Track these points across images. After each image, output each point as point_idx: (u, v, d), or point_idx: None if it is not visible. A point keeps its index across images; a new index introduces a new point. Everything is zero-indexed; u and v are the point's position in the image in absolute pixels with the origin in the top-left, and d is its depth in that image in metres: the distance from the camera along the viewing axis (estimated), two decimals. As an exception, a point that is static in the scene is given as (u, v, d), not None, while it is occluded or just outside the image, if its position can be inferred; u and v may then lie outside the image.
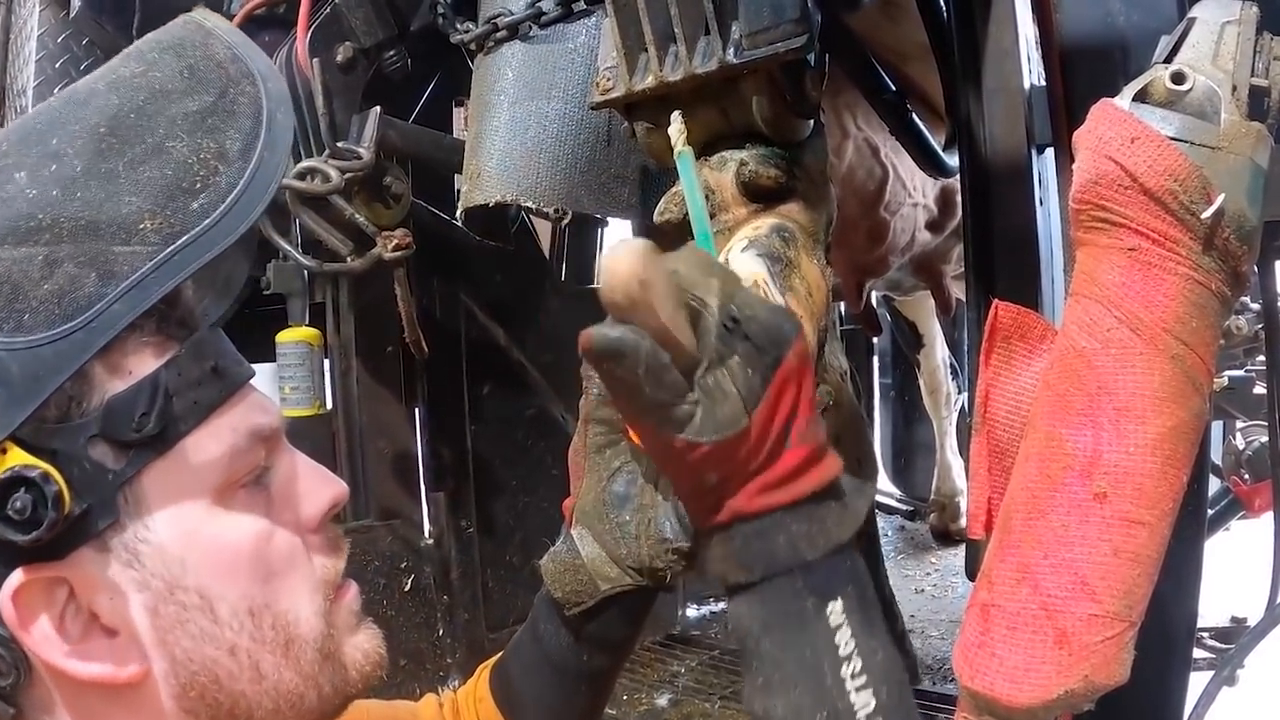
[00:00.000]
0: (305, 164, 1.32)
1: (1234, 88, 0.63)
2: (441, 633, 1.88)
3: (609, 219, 2.36)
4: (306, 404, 1.62)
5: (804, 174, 0.87)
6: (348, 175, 1.33)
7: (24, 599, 0.53)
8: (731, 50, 0.79)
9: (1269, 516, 1.50)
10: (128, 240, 0.53)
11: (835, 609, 0.57)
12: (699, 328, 0.55)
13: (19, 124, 0.60)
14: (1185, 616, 0.89)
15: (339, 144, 1.37)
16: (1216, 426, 1.92)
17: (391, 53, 1.44)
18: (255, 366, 0.63)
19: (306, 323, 1.65)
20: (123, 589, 0.55)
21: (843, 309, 2.67)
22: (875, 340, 3.38)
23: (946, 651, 2.05)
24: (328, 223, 1.36)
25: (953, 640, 0.75)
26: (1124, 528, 0.61)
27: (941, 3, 1.15)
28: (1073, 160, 0.66)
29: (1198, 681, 1.03)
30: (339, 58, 1.39)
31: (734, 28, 0.79)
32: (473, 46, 1.23)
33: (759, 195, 0.85)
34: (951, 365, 2.96)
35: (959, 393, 2.93)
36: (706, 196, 0.84)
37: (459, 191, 1.27)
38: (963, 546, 2.00)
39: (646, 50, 0.83)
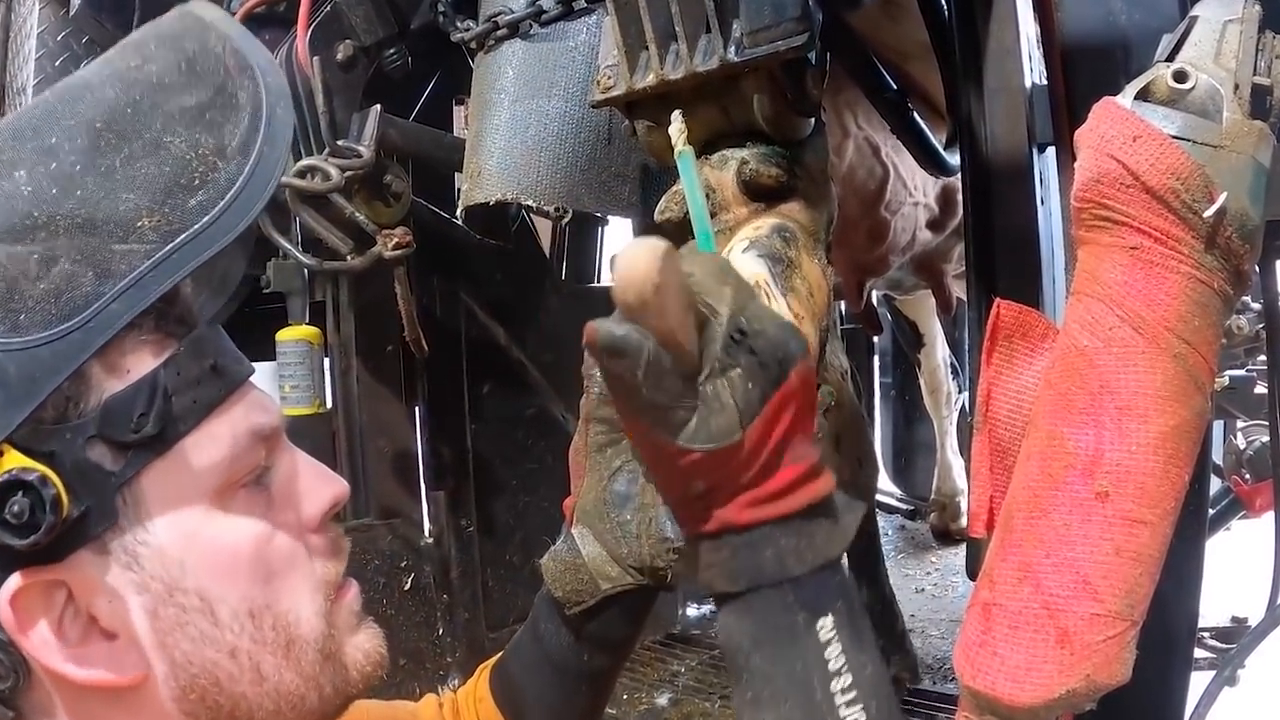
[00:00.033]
0: (305, 162, 1.32)
1: (1236, 86, 0.63)
2: (441, 632, 1.88)
3: (609, 218, 2.37)
4: (306, 403, 1.62)
5: (805, 173, 0.87)
6: (348, 173, 1.33)
7: (22, 603, 0.52)
8: (733, 48, 0.79)
9: (1270, 516, 1.50)
10: (125, 238, 0.52)
11: (826, 624, 0.56)
12: (705, 335, 0.55)
13: (13, 118, 0.59)
14: (1186, 616, 0.89)
15: (339, 142, 1.37)
16: (1217, 426, 1.92)
17: (392, 51, 1.44)
18: (255, 365, 0.62)
19: (306, 321, 1.65)
20: (122, 592, 0.54)
21: (843, 308, 2.67)
22: (876, 339, 3.37)
23: (947, 651, 2.05)
24: (328, 221, 1.36)
25: (953, 639, 0.75)
26: (1126, 527, 0.61)
27: (943, 1, 1.15)
28: (1074, 159, 0.66)
29: (1199, 681, 1.03)
30: (339, 56, 1.38)
31: (735, 26, 0.79)
32: (473, 45, 1.23)
33: (760, 194, 0.84)
34: (952, 364, 2.96)
35: (960, 392, 2.93)
36: (707, 195, 0.84)
37: (459, 190, 1.26)
38: (963, 546, 2.01)
39: (647, 48, 0.83)
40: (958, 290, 2.20)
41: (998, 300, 0.76)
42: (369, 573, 1.74)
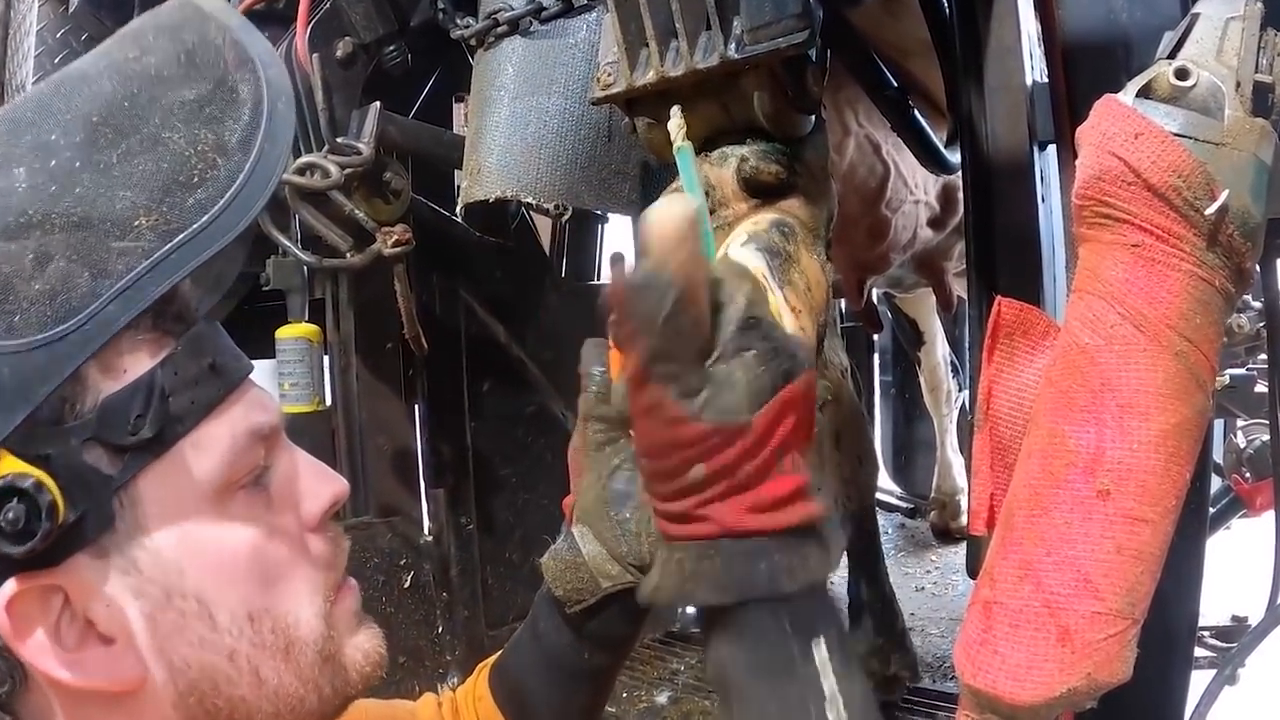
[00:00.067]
0: (305, 159, 1.32)
1: (1238, 84, 0.63)
2: (441, 630, 1.88)
3: (609, 215, 2.36)
4: (306, 400, 1.62)
5: (805, 170, 0.86)
6: (347, 171, 1.33)
7: (18, 609, 0.51)
8: (733, 45, 0.79)
9: (1270, 515, 1.50)
10: (122, 238, 0.51)
11: (820, 651, 0.55)
12: (720, 318, 0.54)
13: (8, 111, 0.58)
14: (1187, 615, 0.89)
15: (339, 139, 1.36)
16: (1218, 425, 1.91)
17: (391, 48, 1.44)
18: (254, 362, 0.61)
19: (306, 319, 1.64)
20: (119, 596, 0.54)
21: (844, 306, 2.67)
22: (876, 337, 3.37)
23: (947, 649, 2.05)
24: (327, 218, 1.36)
25: (953, 638, 0.75)
26: (1127, 525, 0.61)
27: (943, -1, 1.15)
28: (1075, 156, 0.65)
29: (1199, 680, 1.03)
30: (339, 53, 1.38)
31: (735, 23, 0.79)
32: (473, 42, 1.22)
33: (759, 191, 0.84)
34: (952, 362, 2.96)
35: (960, 390, 2.93)
36: (706, 192, 0.84)
37: (459, 187, 1.26)
38: (963, 544, 2.01)
39: (647, 45, 0.83)
40: (958, 288, 2.20)
41: (999, 298, 0.76)
42: (368, 571, 1.74)
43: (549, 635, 0.78)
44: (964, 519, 2.56)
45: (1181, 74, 0.63)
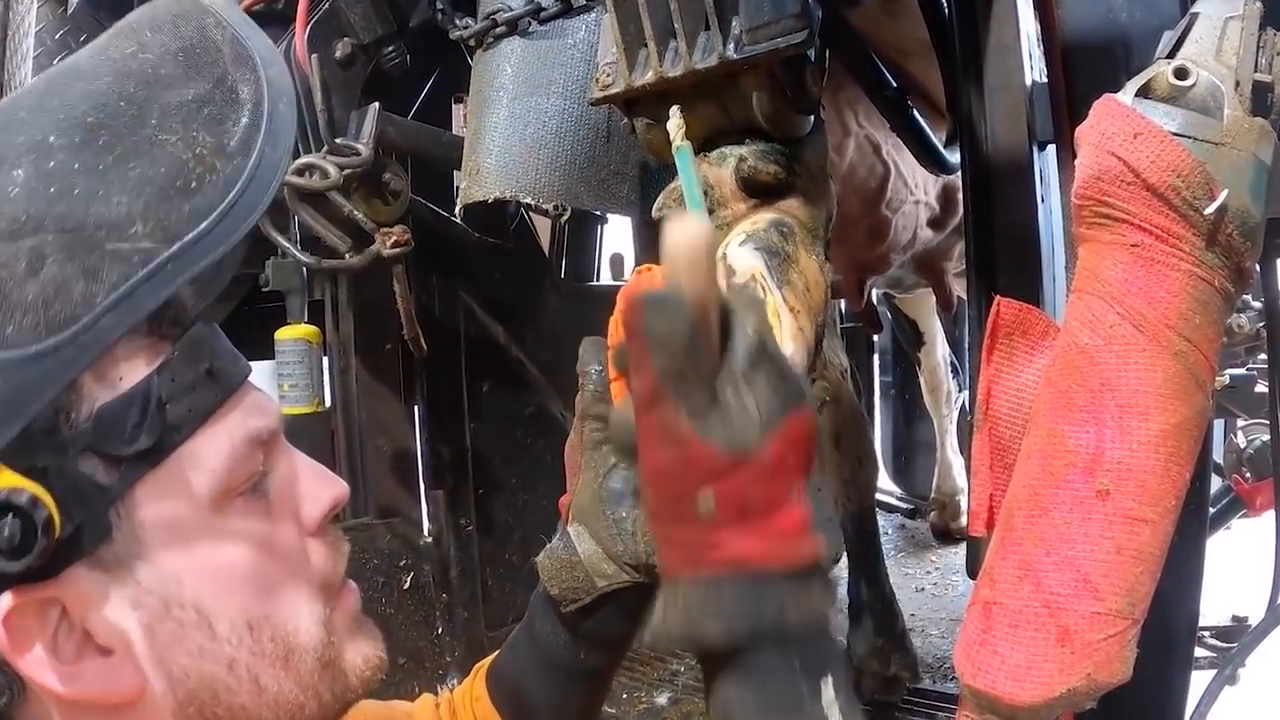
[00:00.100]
0: (304, 160, 1.32)
1: (1237, 83, 0.63)
2: (440, 631, 1.88)
3: (608, 216, 2.36)
4: (305, 402, 1.61)
5: (803, 170, 0.86)
6: (346, 172, 1.33)
7: (15, 622, 0.50)
8: (732, 46, 0.79)
9: (1270, 515, 1.50)
10: (118, 246, 0.49)
11: (828, 690, 0.54)
12: (731, 343, 0.53)
13: (0, 110, 0.56)
14: (1187, 615, 0.89)
15: (337, 140, 1.36)
16: (1218, 425, 1.91)
17: (390, 49, 1.44)
18: (254, 364, 0.60)
19: (305, 320, 1.64)
20: (117, 607, 0.53)
21: (843, 306, 2.67)
22: (876, 338, 3.37)
23: (947, 650, 2.05)
24: (326, 219, 1.36)
25: (953, 638, 0.75)
26: (1127, 525, 0.61)
27: (943, -1, 1.15)
28: (1075, 156, 0.65)
29: (1199, 680, 1.03)
30: (338, 54, 1.38)
31: (734, 23, 0.79)
32: (472, 42, 1.23)
33: (758, 191, 0.84)
34: (952, 363, 2.96)
35: (960, 390, 2.93)
36: (705, 192, 0.84)
37: (458, 188, 1.26)
38: (963, 545, 2.00)
39: (646, 45, 0.83)
40: (958, 288, 2.19)
41: (998, 298, 0.76)
42: (368, 572, 1.74)
43: (545, 635, 0.78)
44: (964, 519, 2.55)
45: (1181, 73, 0.63)
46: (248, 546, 0.57)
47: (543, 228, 2.30)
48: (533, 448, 2.05)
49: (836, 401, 1.68)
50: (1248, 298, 1.75)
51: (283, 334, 1.61)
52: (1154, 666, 0.66)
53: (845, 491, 1.84)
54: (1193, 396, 0.62)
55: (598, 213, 2.16)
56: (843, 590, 1.89)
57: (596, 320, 0.78)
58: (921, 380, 2.97)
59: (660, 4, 0.81)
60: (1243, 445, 1.87)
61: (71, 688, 0.52)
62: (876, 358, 3.50)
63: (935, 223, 1.94)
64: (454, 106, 1.93)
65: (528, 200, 1.15)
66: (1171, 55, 0.64)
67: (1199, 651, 1.58)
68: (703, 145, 0.86)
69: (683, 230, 0.52)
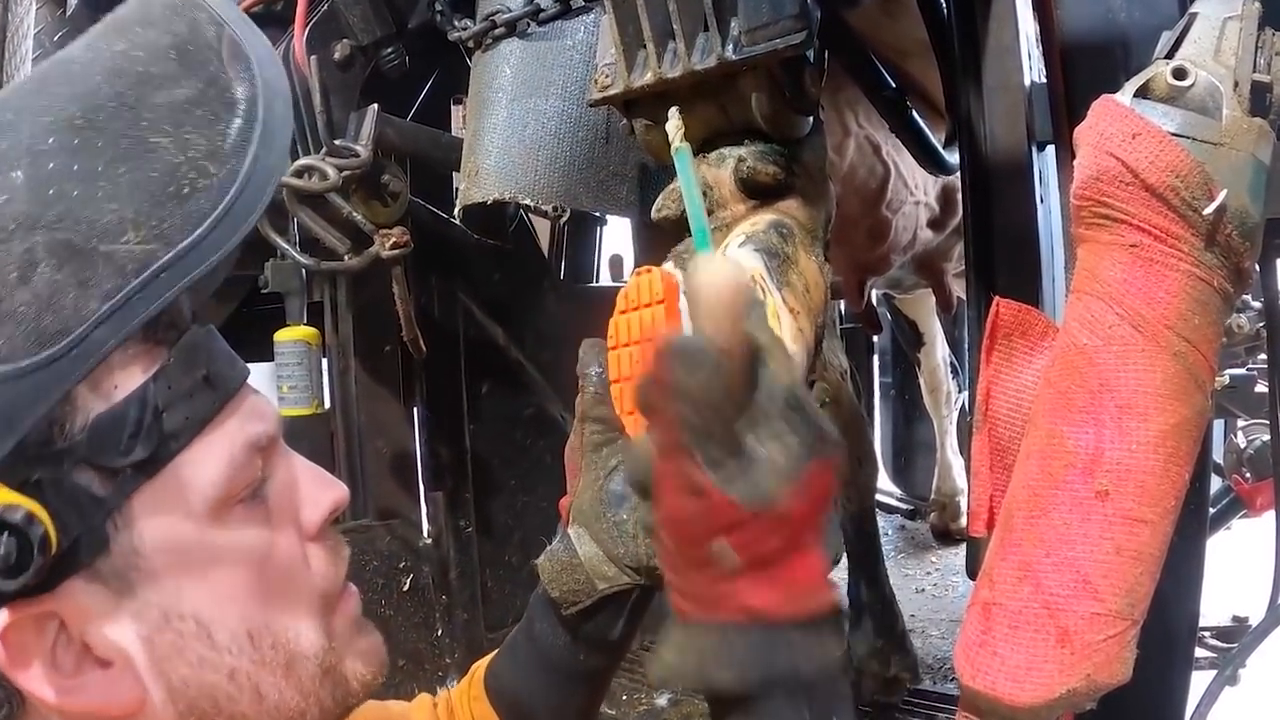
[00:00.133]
0: (303, 161, 1.31)
1: (1236, 83, 0.63)
2: (440, 633, 1.88)
3: (608, 217, 2.36)
4: (305, 403, 1.61)
5: (803, 171, 0.86)
6: (345, 173, 1.32)
7: (13, 638, 0.50)
8: (730, 47, 0.79)
9: (1270, 515, 1.50)
10: (111, 255, 0.48)
11: None
12: (760, 392, 0.52)
13: None
14: (1187, 615, 0.89)
15: (336, 142, 1.36)
16: (1218, 425, 1.91)
17: (389, 50, 1.43)
18: (253, 366, 0.60)
19: (304, 322, 1.64)
20: (115, 619, 0.52)
21: (843, 307, 2.67)
22: (875, 339, 3.37)
23: (947, 651, 2.05)
24: (325, 221, 1.36)
25: (953, 639, 0.75)
26: (1126, 526, 0.61)
27: (941, -1, 1.15)
28: (1074, 157, 0.65)
29: (1200, 681, 1.03)
30: (336, 55, 1.38)
31: (733, 24, 0.79)
32: (470, 44, 1.22)
33: (757, 192, 0.84)
34: (952, 364, 2.96)
35: (959, 391, 2.93)
36: (704, 193, 0.83)
37: (457, 189, 1.26)
38: (963, 545, 2.00)
39: (645, 47, 0.83)
40: (958, 289, 2.19)
41: (997, 299, 0.76)
42: (367, 574, 1.74)
43: (544, 636, 0.78)
44: (964, 520, 2.55)
45: (1179, 74, 0.63)
46: (247, 555, 0.56)
47: (542, 229, 2.30)
48: (532, 449, 2.05)
49: (836, 402, 1.68)
50: (1248, 298, 1.75)
51: (282, 336, 1.61)
52: (1154, 667, 0.66)
53: (845, 492, 1.84)
54: (1192, 397, 0.62)
55: (597, 214, 2.16)
56: (843, 591, 1.89)
57: (596, 321, 0.78)
58: (921, 381, 2.98)
59: (659, 5, 0.81)
60: (1243, 445, 1.87)
61: (71, 701, 0.51)
62: (876, 358, 3.51)
63: (935, 223, 1.94)
64: (453, 108, 1.92)
65: (527, 202, 1.15)
66: (1170, 55, 0.64)
67: (1199, 652, 1.58)
68: (702, 146, 0.86)
69: (710, 273, 0.50)
